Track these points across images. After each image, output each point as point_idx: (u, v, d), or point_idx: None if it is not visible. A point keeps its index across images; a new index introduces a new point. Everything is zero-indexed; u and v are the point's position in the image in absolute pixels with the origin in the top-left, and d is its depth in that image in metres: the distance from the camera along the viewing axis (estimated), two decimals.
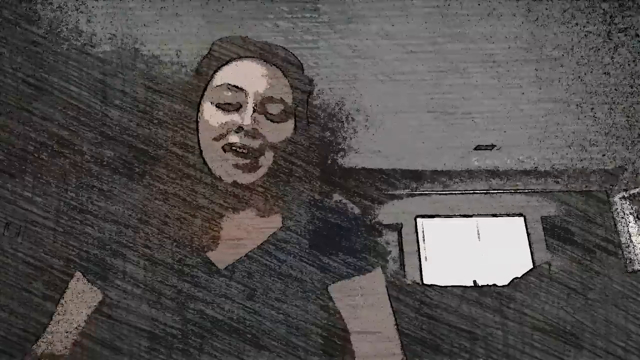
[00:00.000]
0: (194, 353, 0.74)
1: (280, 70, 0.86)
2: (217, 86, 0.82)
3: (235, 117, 0.80)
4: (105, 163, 0.86)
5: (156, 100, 0.81)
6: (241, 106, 0.81)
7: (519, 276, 1.37)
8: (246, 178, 0.80)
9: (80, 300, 0.80)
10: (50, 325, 0.78)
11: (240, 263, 0.79)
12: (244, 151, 0.79)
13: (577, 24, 2.00)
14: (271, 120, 0.82)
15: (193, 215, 0.80)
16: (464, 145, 2.79)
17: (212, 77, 0.84)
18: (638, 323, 1.22)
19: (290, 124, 0.85)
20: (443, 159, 2.92)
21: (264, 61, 0.85)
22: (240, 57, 0.85)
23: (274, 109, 0.83)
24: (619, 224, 2.83)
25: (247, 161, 0.80)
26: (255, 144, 0.80)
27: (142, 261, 0.78)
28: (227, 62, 0.84)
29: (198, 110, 0.83)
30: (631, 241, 2.73)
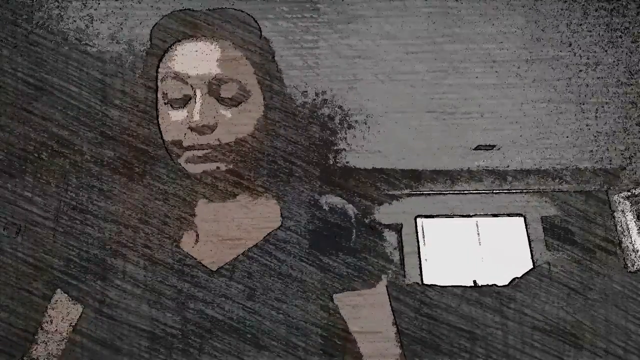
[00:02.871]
0: (194, 353, 0.74)
1: (231, 42, 0.79)
2: (163, 78, 0.78)
3: (185, 115, 0.76)
4: (105, 163, 0.85)
5: (156, 100, 0.81)
6: (191, 99, 0.76)
7: (519, 276, 1.37)
8: (206, 167, 0.77)
9: (63, 316, 0.79)
10: (37, 337, 0.78)
11: (240, 263, 0.79)
12: (204, 150, 0.75)
13: (577, 23, 2.00)
14: (227, 105, 0.77)
15: (193, 215, 0.80)
16: (464, 145, 2.79)
17: (160, 62, 0.79)
18: (638, 323, 1.22)
19: (252, 104, 0.79)
20: (443, 159, 2.92)
21: (208, 38, 0.79)
22: (178, 41, 0.79)
23: (227, 91, 0.77)
24: (619, 224, 2.83)
25: (200, 152, 0.76)
26: (209, 138, 0.75)
27: (142, 261, 0.77)
28: (167, 50, 0.79)
29: (156, 107, 0.79)
30: (631, 241, 2.73)
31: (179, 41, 0.79)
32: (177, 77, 0.76)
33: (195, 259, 0.78)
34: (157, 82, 0.80)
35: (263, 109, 0.81)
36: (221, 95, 0.77)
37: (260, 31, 0.84)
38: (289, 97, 0.83)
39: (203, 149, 0.76)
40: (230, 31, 0.80)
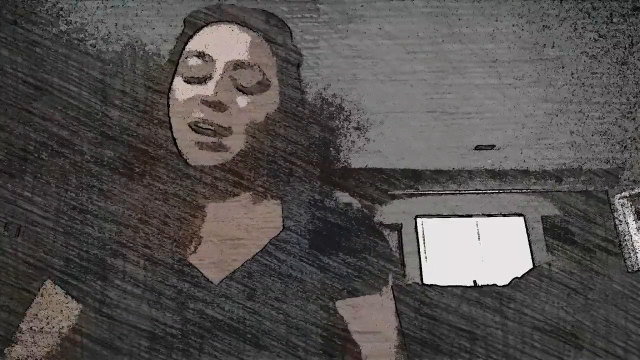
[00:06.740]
0: (194, 353, 0.74)
1: (262, 35, 0.80)
2: (185, 57, 0.78)
3: (201, 90, 0.76)
4: (105, 163, 0.85)
5: (156, 100, 0.81)
6: (211, 77, 0.77)
7: (519, 276, 1.37)
8: (210, 159, 0.77)
9: (57, 309, 0.77)
10: (23, 328, 0.77)
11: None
12: (209, 127, 0.75)
13: (577, 24, 2.00)
14: (244, 92, 0.77)
15: (193, 215, 0.80)
16: (464, 145, 2.79)
17: (182, 49, 0.80)
18: (638, 323, 1.22)
19: (269, 98, 0.80)
20: (443, 159, 2.92)
21: (241, 25, 0.79)
22: (212, 22, 0.79)
23: (246, 77, 0.77)
24: (619, 224, 2.82)
25: (210, 139, 0.75)
26: (221, 119, 0.75)
27: (142, 261, 0.77)
28: (198, 30, 0.80)
29: (170, 89, 0.79)
30: (631, 241, 2.73)
31: (212, 23, 0.79)
32: (202, 57, 0.77)
33: (198, 269, 0.78)
34: (176, 64, 0.79)
35: (277, 106, 0.81)
36: (239, 81, 0.77)
37: (291, 36, 0.85)
38: (289, 97, 0.83)
39: (211, 133, 0.75)
40: (262, 23, 0.80)
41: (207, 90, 0.75)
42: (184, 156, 0.78)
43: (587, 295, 1.30)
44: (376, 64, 2.13)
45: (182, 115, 0.77)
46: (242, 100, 0.77)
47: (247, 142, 0.78)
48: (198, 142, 0.76)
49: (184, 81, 0.78)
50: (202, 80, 0.77)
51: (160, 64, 0.82)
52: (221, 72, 0.76)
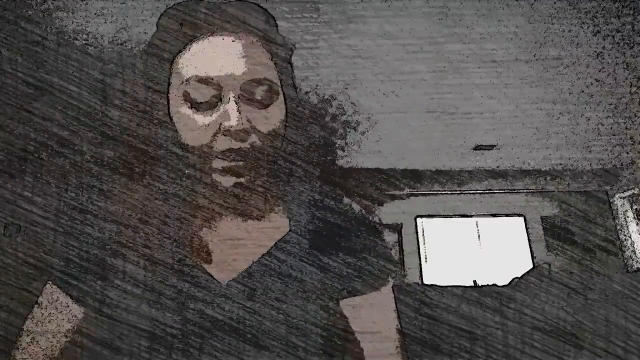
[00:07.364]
0: (194, 353, 0.74)
1: (257, 36, 0.78)
2: (184, 82, 0.75)
3: (217, 116, 0.74)
4: (105, 163, 0.85)
5: (156, 100, 0.81)
6: (220, 100, 0.74)
7: (519, 276, 1.37)
8: (244, 178, 0.77)
9: (59, 312, 0.77)
10: (24, 332, 0.77)
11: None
12: (236, 156, 0.74)
13: (577, 24, 2.00)
14: (258, 107, 0.76)
15: (193, 215, 0.80)
16: (464, 145, 2.79)
17: (172, 63, 0.77)
18: (638, 323, 1.22)
19: (279, 105, 0.78)
20: (443, 159, 2.92)
21: (234, 32, 0.76)
22: (203, 36, 0.76)
23: (259, 92, 0.75)
24: (619, 224, 2.83)
25: (241, 162, 0.75)
26: (247, 144, 0.75)
27: (142, 261, 0.77)
28: (188, 43, 0.77)
29: (168, 107, 0.77)
30: (631, 241, 2.73)
31: (203, 36, 0.77)
32: (203, 80, 0.74)
33: (201, 266, 0.78)
34: (168, 81, 0.77)
35: (285, 110, 0.80)
36: (253, 97, 0.75)
37: (277, 27, 0.82)
38: (289, 97, 0.83)
39: (235, 158, 0.74)
40: (253, 22, 0.78)
41: (230, 119, 0.72)
42: (214, 179, 0.76)
43: (587, 295, 1.30)
44: (376, 64, 2.13)
45: (203, 144, 0.75)
46: (258, 115, 0.76)
47: (254, 148, 0.76)
48: (223, 168, 0.75)
49: (189, 107, 0.75)
50: (213, 106, 0.75)
51: (160, 63, 0.81)
52: (234, 96, 0.73)
